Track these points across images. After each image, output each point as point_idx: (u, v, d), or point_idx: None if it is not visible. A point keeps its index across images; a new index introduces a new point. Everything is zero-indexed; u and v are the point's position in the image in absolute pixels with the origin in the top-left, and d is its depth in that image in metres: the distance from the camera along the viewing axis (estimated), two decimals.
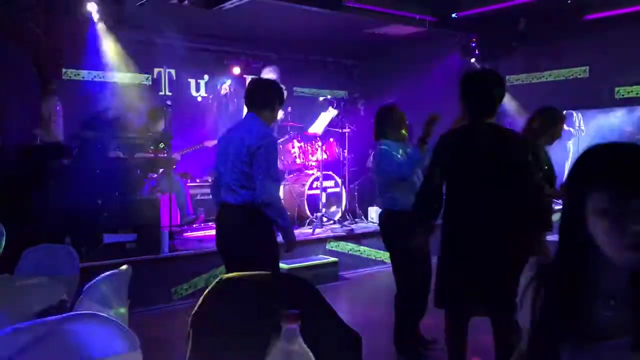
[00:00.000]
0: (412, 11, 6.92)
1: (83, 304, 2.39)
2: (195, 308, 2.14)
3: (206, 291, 2.10)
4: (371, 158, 8.60)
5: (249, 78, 9.44)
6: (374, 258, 7.72)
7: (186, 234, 7.33)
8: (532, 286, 1.38)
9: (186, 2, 5.26)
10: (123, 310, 2.45)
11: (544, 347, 1.29)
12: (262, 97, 3.72)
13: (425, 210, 3.44)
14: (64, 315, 1.87)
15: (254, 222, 3.54)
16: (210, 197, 8.15)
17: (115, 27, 7.35)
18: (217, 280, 2.10)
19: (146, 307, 5.70)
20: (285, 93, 8.62)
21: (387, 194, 4.25)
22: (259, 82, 4.09)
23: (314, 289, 2.17)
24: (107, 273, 2.44)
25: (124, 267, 2.64)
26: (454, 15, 7.01)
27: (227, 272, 4.30)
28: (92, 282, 2.42)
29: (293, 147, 8.18)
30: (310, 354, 1.19)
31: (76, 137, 6.15)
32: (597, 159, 1.28)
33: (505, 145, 3.13)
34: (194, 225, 7.73)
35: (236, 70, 9.01)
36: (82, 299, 2.36)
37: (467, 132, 3.22)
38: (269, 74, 8.85)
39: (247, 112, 3.73)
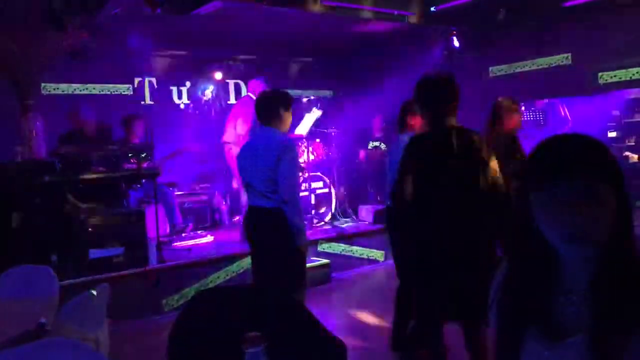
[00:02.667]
0: (391, 7, 6.86)
1: (59, 326, 2.32)
2: (172, 326, 2.08)
3: (182, 308, 2.05)
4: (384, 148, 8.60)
5: (231, 83, 9.40)
6: (366, 257, 7.67)
7: (175, 244, 7.25)
8: (500, 287, 1.37)
9: (159, 10, 5.16)
10: (100, 330, 2.38)
11: (508, 346, 1.28)
12: (265, 111, 4.08)
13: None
14: (31, 344, 1.80)
15: (284, 224, 3.91)
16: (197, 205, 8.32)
17: (93, 38, 7.25)
18: (192, 296, 2.04)
19: (138, 319, 5.64)
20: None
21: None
22: (259, 98, 4.23)
23: (294, 301, 2.12)
24: (83, 293, 2.37)
25: (101, 286, 2.57)
26: (432, 9, 6.96)
27: (255, 271, 4.41)
28: (67, 303, 2.35)
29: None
30: None
31: (57, 153, 6.05)
32: (535, 155, 1.29)
33: (471, 148, 3.15)
34: (183, 235, 7.65)
35: (218, 76, 8.94)
36: (58, 322, 2.29)
37: (433, 137, 3.25)
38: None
39: (260, 126, 4.16)
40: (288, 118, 4.12)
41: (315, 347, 1.95)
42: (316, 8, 6.27)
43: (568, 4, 7.03)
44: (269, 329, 1.50)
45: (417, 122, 4.27)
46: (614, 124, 11.05)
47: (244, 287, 4.42)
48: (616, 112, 10.89)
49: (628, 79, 7.00)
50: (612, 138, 10.92)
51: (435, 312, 3.25)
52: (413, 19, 7.13)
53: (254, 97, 7.21)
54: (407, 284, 4.24)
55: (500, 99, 4.64)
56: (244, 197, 6.80)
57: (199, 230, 8.07)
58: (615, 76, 7.19)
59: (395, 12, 6.88)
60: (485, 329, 3.29)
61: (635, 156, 7.80)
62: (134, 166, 6.19)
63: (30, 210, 5.81)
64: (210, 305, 2.11)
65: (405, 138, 4.18)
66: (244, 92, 9.40)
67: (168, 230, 7.31)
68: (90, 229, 5.70)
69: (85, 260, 5.58)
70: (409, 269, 3.52)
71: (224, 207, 8.82)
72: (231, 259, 6.51)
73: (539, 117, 10.44)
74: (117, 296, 5.55)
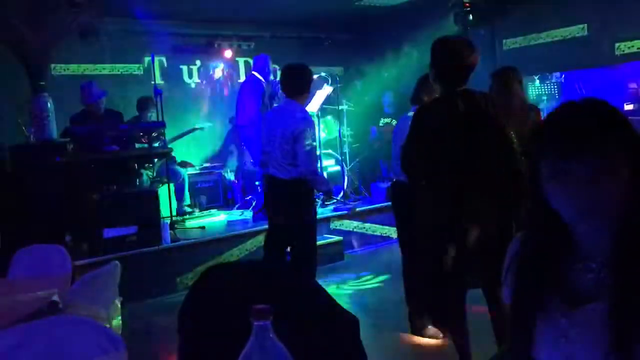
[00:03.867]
0: None
1: (71, 305, 2.32)
2: (183, 301, 2.07)
3: (192, 283, 2.03)
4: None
5: (241, 61, 9.33)
6: (379, 234, 7.64)
7: (188, 222, 7.28)
8: (516, 259, 1.33)
9: None
10: (112, 309, 2.38)
11: (525, 315, 1.25)
12: (293, 84, 4.26)
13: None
14: (43, 320, 1.80)
15: (298, 194, 4.20)
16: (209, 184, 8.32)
17: (103, 17, 7.22)
18: (202, 271, 2.03)
19: (153, 298, 5.67)
20: (279, 73, 8.47)
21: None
22: (289, 70, 4.39)
23: (305, 275, 2.10)
24: (92, 272, 2.37)
25: (112, 264, 2.57)
26: None
27: (270, 238, 4.54)
28: (77, 281, 2.35)
29: None
30: (285, 350, 1.10)
31: (69, 133, 6.05)
32: (545, 128, 1.24)
33: (484, 111, 3.06)
34: (196, 213, 7.68)
35: (228, 54, 8.87)
36: (68, 300, 2.30)
37: (445, 102, 3.16)
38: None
39: (285, 98, 4.39)
40: (309, 93, 4.45)
41: (327, 321, 1.93)
42: None
43: None
44: (280, 302, 1.48)
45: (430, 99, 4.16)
46: (631, 97, 10.88)
47: (253, 262, 4.47)
48: (633, 85, 10.72)
49: None
50: (628, 110, 10.76)
51: (456, 280, 3.21)
52: None
53: (259, 76, 7.20)
54: (416, 259, 4.22)
55: (503, 69, 4.52)
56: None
57: (211, 209, 8.09)
58: (632, 46, 7.03)
59: None
60: None
61: None
62: (146, 146, 6.18)
63: (44, 191, 5.85)
64: (220, 281, 2.09)
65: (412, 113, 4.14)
66: None
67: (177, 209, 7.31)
68: (103, 209, 5.71)
69: (100, 240, 5.61)
70: (423, 240, 3.47)
71: (236, 185, 8.81)
72: (244, 236, 6.52)
73: (554, 90, 10.29)
74: (130, 275, 5.62)
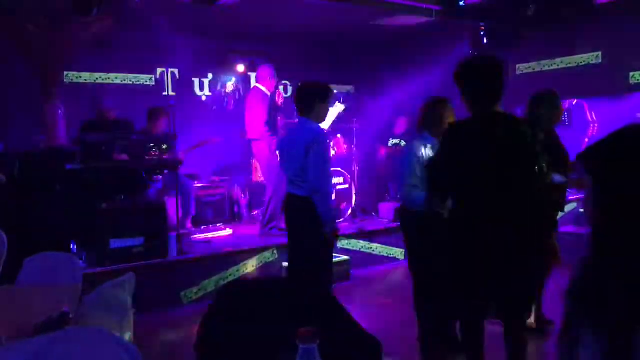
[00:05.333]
0: (418, 0, 6.73)
1: (83, 315, 2.26)
2: (205, 314, 2.00)
3: (216, 296, 1.97)
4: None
5: (253, 75, 9.31)
6: (386, 255, 7.57)
7: (194, 235, 7.21)
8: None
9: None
10: (126, 320, 2.31)
11: (621, 346, 1.19)
12: (302, 102, 4.22)
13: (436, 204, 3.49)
14: (59, 332, 1.74)
15: (311, 213, 4.10)
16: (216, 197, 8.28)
17: (118, 27, 7.22)
18: (225, 284, 1.96)
19: (156, 312, 5.58)
20: (290, 90, 8.44)
21: (406, 190, 4.12)
22: (299, 89, 4.36)
23: (330, 295, 2.04)
24: (109, 282, 2.31)
25: (127, 275, 2.50)
26: (461, 3, 6.81)
27: (290, 255, 4.49)
28: (92, 293, 2.29)
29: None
30: None
31: (79, 141, 6.01)
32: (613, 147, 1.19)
33: (516, 135, 2.99)
34: (202, 227, 7.62)
35: (240, 68, 8.87)
36: (83, 310, 2.23)
37: (475, 123, 3.08)
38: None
39: (299, 117, 4.30)
40: (323, 110, 4.25)
41: (351, 344, 1.87)
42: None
43: (600, 1, 6.85)
44: (303, 323, 1.41)
45: (437, 125, 4.04)
46: None
47: (276, 280, 4.40)
48: None
49: None
50: None
51: (477, 310, 3.15)
52: (440, 13, 6.99)
53: (262, 88, 7.14)
54: (430, 284, 4.14)
55: (547, 92, 4.42)
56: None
57: (217, 223, 8.03)
58: None
59: (424, 6, 6.76)
60: (525, 326, 3.20)
61: None
62: (156, 156, 6.14)
63: (52, 198, 5.81)
64: (241, 298, 2.03)
65: (415, 139, 4.09)
66: None
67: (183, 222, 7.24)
68: (110, 219, 5.65)
69: (106, 250, 5.54)
70: (441, 267, 3.41)
71: (243, 200, 8.76)
72: (251, 252, 6.45)
73: (564, 117, 10.26)
74: (136, 287, 5.56)
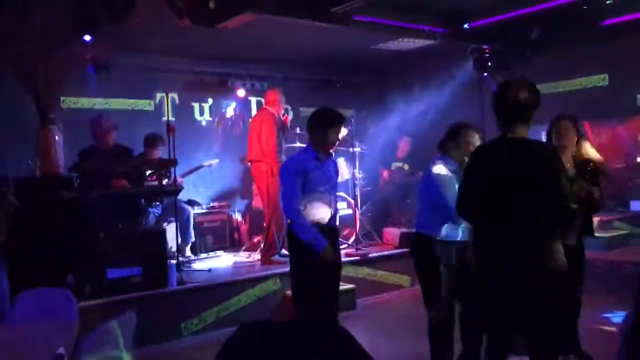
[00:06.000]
0: (422, 23, 6.65)
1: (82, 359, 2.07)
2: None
3: (226, 340, 1.81)
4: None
5: (253, 100, 9.21)
6: (391, 282, 7.37)
7: (194, 263, 7.02)
8: None
9: (186, 18, 4.97)
10: None
11: None
12: (307, 128, 4.35)
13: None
14: None
15: (293, 241, 4.24)
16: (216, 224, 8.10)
17: (115, 52, 7.11)
18: (237, 328, 1.79)
19: (155, 344, 5.36)
20: (292, 114, 8.31)
21: (425, 216, 3.99)
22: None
23: (346, 334, 1.88)
24: (107, 324, 2.12)
25: (127, 313, 2.32)
26: (465, 26, 6.73)
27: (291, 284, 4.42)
28: (90, 335, 2.10)
29: None
30: None
31: (76, 168, 5.85)
32: None
33: (531, 162, 2.92)
34: (202, 255, 7.43)
35: (241, 93, 8.76)
36: (80, 356, 2.04)
37: (491, 148, 3.09)
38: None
39: None
40: (325, 135, 4.20)
41: None
42: (347, 23, 6.06)
43: (606, 22, 6.77)
44: None
45: (461, 151, 3.95)
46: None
47: (287, 323, 4.22)
48: None
49: None
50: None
51: (503, 345, 3.04)
52: (444, 36, 6.91)
53: (272, 110, 7.05)
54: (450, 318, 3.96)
55: (570, 115, 4.31)
56: None
57: (217, 250, 7.84)
58: None
59: (427, 29, 6.67)
60: None
61: None
62: (155, 182, 5.97)
63: (47, 227, 5.61)
64: (254, 341, 1.85)
65: (439, 163, 3.95)
66: None
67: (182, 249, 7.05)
68: (108, 248, 5.45)
69: (103, 281, 5.34)
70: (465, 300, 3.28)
71: (243, 226, 8.58)
72: (252, 281, 6.24)
73: None
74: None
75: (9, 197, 4.48)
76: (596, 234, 8.71)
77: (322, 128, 4.20)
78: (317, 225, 4.19)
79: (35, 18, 4.84)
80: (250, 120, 8.38)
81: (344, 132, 7.51)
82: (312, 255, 4.07)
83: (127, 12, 4.78)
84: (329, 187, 4.30)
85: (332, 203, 4.33)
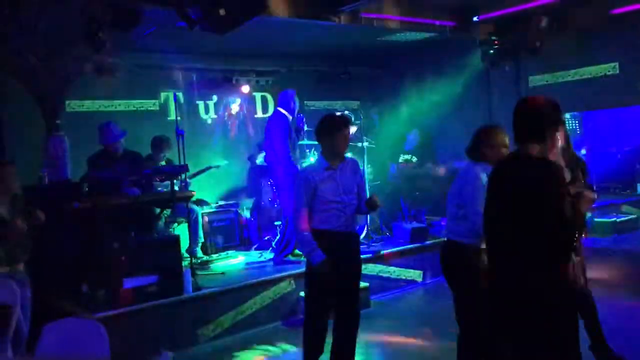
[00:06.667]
0: (431, 17, 6.55)
1: None
2: None
3: None
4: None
5: (258, 95, 9.12)
6: (404, 278, 7.35)
7: (206, 265, 6.99)
8: None
9: (197, 27, 4.88)
10: None
11: None
12: (315, 138, 4.38)
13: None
14: None
15: None
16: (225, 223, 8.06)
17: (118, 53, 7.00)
18: None
19: (174, 351, 5.33)
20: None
21: (457, 222, 3.89)
22: None
23: None
24: None
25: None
26: (475, 18, 6.63)
27: None
28: None
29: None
30: None
31: (88, 179, 5.77)
32: None
33: (531, 182, 2.82)
34: (213, 257, 7.39)
35: (245, 89, 8.65)
36: None
37: (504, 165, 3.05)
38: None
39: None
40: (332, 141, 4.17)
41: None
42: (356, 21, 5.96)
43: (616, 11, 6.68)
44: None
45: (495, 155, 3.87)
46: None
47: None
48: None
49: None
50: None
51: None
52: (454, 29, 6.81)
53: (284, 111, 6.97)
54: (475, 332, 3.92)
55: None
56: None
57: (227, 249, 7.80)
58: None
59: (437, 23, 6.57)
60: None
61: None
62: (168, 188, 5.91)
63: (59, 236, 5.56)
64: None
65: (475, 168, 3.86)
66: (270, 104, 9.13)
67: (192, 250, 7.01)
68: (123, 257, 5.40)
69: (120, 290, 5.30)
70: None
71: (252, 224, 8.53)
72: (266, 284, 6.21)
73: (575, 125, 10.14)
74: (150, 327, 5.33)
75: (37, 214, 4.42)
76: (604, 219, 8.78)
77: (329, 135, 4.18)
78: (329, 232, 4.15)
79: (42, 28, 4.73)
80: (259, 117, 8.36)
81: (352, 129, 7.45)
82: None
83: (134, 24, 4.69)
84: (345, 194, 4.22)
85: (347, 211, 4.26)
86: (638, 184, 10.30)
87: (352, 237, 4.38)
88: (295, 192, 4.26)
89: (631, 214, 9.24)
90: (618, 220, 8.71)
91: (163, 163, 6.98)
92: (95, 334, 2.82)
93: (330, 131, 4.17)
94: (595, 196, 3.81)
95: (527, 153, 2.89)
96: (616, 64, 7.23)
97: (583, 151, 9.65)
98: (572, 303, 2.94)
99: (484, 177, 3.67)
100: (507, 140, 3.86)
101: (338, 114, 7.86)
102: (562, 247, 2.82)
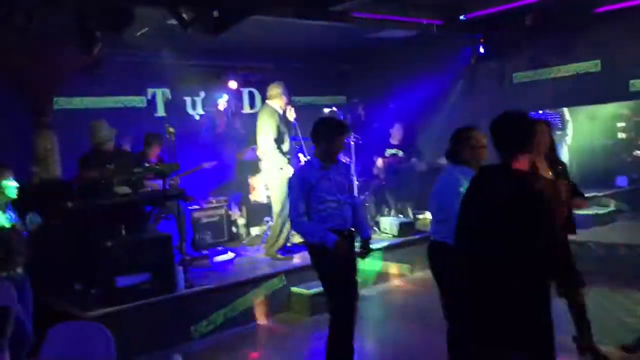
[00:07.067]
0: (419, 16, 6.63)
1: None
2: None
3: None
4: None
5: (245, 91, 9.14)
6: (391, 272, 7.47)
7: (197, 262, 7.02)
8: None
9: (191, 29, 4.91)
10: None
11: None
12: (311, 139, 4.37)
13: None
14: None
15: (310, 247, 4.42)
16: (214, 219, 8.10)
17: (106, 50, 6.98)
18: None
19: (167, 349, 5.40)
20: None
21: (440, 224, 3.99)
22: None
23: None
24: None
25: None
26: (462, 17, 6.73)
27: None
28: None
29: (299, 163, 7.87)
30: None
31: (79, 179, 5.78)
32: None
33: (519, 200, 2.86)
34: (204, 252, 7.44)
35: (233, 85, 8.67)
36: None
37: (486, 176, 3.08)
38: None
39: None
40: (328, 145, 4.25)
41: None
42: (346, 20, 6.02)
43: (599, 9, 6.83)
44: None
45: (474, 155, 3.96)
46: (624, 123, 10.96)
47: None
48: (626, 111, 10.79)
49: None
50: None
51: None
52: (441, 28, 6.90)
53: (273, 105, 7.01)
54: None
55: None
56: None
57: (217, 245, 7.84)
58: None
59: (424, 22, 6.66)
60: None
61: None
62: (159, 187, 5.95)
63: (50, 236, 5.57)
64: None
65: (454, 172, 3.96)
66: (258, 100, 9.16)
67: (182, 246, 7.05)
68: (115, 255, 5.43)
69: (112, 289, 5.33)
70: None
71: (241, 220, 8.58)
72: (258, 280, 6.29)
73: (555, 119, 10.30)
74: (143, 325, 5.37)
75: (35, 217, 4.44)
76: (583, 211, 8.95)
77: (327, 139, 4.26)
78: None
79: (34, 29, 4.72)
80: (247, 113, 8.40)
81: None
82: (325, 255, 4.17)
83: (125, 25, 4.70)
84: (339, 194, 4.31)
85: (343, 209, 4.35)
86: (616, 177, 10.49)
87: (349, 235, 4.47)
88: (293, 192, 4.32)
89: (610, 207, 9.43)
90: (598, 213, 8.87)
91: (154, 160, 7.01)
92: (101, 337, 2.87)
93: (329, 135, 4.27)
94: (587, 204, 3.95)
95: (518, 169, 2.94)
96: (598, 62, 7.38)
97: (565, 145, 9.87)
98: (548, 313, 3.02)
99: (462, 180, 3.73)
100: (484, 140, 3.93)
101: (327, 112, 8.03)
102: (550, 265, 2.93)
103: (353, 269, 4.46)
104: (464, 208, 3.11)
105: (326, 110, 7.75)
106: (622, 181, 10.26)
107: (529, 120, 3.10)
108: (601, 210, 9.05)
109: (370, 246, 4.60)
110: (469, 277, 3.02)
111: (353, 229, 4.48)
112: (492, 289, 2.92)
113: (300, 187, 4.24)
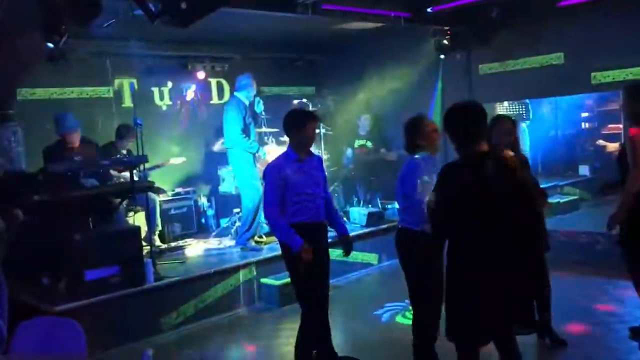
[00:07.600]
0: (387, 8, 6.68)
1: None
2: None
3: None
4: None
5: (214, 81, 9.08)
6: (361, 261, 7.56)
7: (165, 253, 7.01)
8: None
9: (158, 21, 4.86)
10: None
11: None
12: (284, 130, 4.52)
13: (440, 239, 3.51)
14: None
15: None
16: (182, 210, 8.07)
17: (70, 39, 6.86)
18: None
19: (138, 341, 5.39)
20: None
21: (405, 211, 4.18)
22: None
23: None
24: None
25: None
26: (428, 10, 6.81)
27: None
28: None
29: (269, 154, 7.88)
30: None
31: (44, 172, 5.69)
32: None
33: (507, 174, 3.17)
34: (172, 245, 7.42)
35: (200, 75, 8.60)
36: None
37: (471, 165, 3.21)
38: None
39: None
40: (300, 135, 4.30)
41: None
42: (315, 12, 6.04)
43: (563, 3, 6.97)
44: None
45: (429, 140, 4.15)
46: (588, 113, 11.25)
47: None
48: (589, 101, 11.07)
49: (622, 79, 6.95)
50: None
51: (475, 334, 3.25)
52: (408, 21, 6.97)
53: (240, 97, 7.02)
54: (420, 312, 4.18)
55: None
56: None
57: (186, 238, 7.82)
58: (608, 77, 7.18)
59: (392, 14, 6.71)
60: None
61: (612, 145, 7.51)
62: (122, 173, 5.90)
63: (19, 230, 5.48)
64: None
65: (414, 159, 4.10)
66: (226, 90, 9.11)
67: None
68: (84, 249, 5.38)
69: (81, 282, 5.29)
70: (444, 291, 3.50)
71: (210, 211, 8.56)
72: (228, 272, 6.30)
73: (522, 109, 10.52)
74: (113, 319, 5.35)
75: (16, 213, 4.35)
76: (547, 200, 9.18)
77: (297, 129, 4.29)
78: (302, 224, 4.27)
79: None
80: (216, 103, 8.36)
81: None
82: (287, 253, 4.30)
83: (92, 16, 4.63)
84: (314, 186, 4.36)
85: (317, 202, 4.39)
86: (579, 166, 10.76)
87: (323, 227, 4.53)
88: (267, 185, 4.36)
89: (573, 195, 9.68)
90: (561, 201, 9.10)
91: (124, 152, 6.95)
92: (71, 332, 2.86)
93: (299, 125, 4.30)
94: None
95: (484, 151, 3.16)
96: (561, 54, 7.53)
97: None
98: None
99: (422, 165, 4.00)
100: (435, 124, 4.22)
101: (297, 103, 8.05)
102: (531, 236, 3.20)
103: (326, 260, 4.52)
104: (452, 197, 3.22)
105: (295, 101, 7.78)
106: (584, 170, 10.56)
107: (478, 108, 3.28)
108: (564, 199, 9.31)
109: (351, 241, 4.72)
110: (464, 261, 3.19)
111: (326, 221, 4.55)
112: (497, 263, 3.13)
113: (275, 179, 4.26)
